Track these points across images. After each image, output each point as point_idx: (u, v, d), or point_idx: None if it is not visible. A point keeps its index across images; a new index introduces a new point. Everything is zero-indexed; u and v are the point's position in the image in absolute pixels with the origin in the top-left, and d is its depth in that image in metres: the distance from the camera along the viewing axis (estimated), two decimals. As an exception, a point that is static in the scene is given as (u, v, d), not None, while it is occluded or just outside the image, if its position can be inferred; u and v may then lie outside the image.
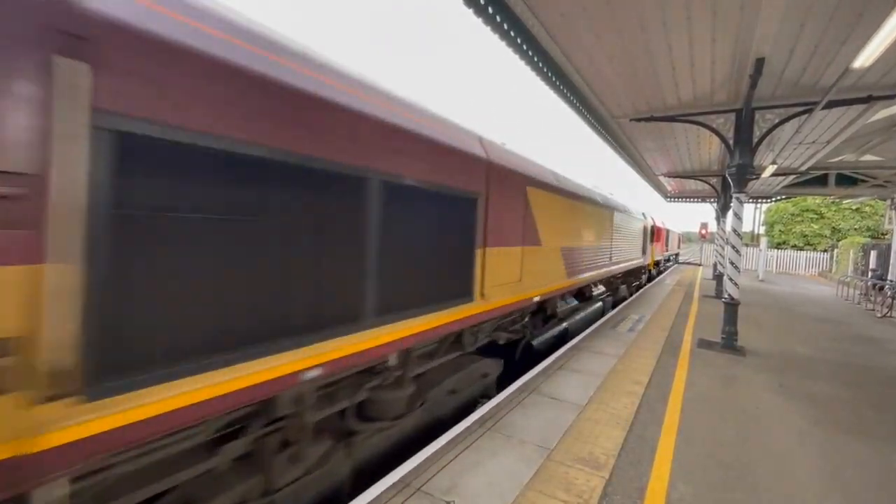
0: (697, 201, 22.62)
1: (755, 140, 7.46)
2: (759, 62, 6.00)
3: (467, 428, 4.07)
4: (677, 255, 36.81)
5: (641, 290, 16.22)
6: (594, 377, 5.72)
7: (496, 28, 5.31)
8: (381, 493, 3.06)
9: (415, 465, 3.40)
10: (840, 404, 5.33)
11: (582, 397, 5.00)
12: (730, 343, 7.56)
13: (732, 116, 7.89)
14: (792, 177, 14.94)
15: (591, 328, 8.79)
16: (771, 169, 11.51)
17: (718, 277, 15.01)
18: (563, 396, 4.99)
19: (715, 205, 17.93)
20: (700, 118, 8.31)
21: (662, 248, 22.94)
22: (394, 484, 3.16)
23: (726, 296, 7.66)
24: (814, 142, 10.30)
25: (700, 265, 31.84)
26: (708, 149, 12.00)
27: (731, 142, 7.76)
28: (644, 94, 7.87)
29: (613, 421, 4.42)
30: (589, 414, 4.55)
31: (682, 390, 5.47)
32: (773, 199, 21.71)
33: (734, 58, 6.16)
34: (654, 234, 18.25)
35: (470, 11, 4.90)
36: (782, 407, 5.13)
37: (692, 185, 18.19)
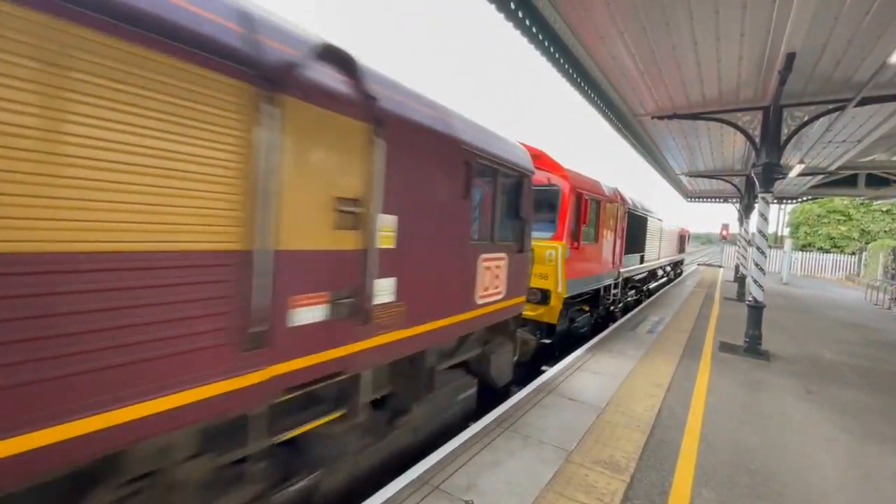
0: (719, 201, 22.11)
1: (783, 138, 7.24)
2: (790, 57, 5.81)
3: (485, 427, 4.05)
4: (680, 262, 22.72)
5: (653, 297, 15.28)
6: (613, 379, 5.63)
7: (518, 24, 5.25)
8: (399, 490, 3.06)
9: (432, 462, 3.39)
10: (870, 411, 5.14)
11: (601, 399, 4.92)
12: (754, 347, 7.36)
13: (759, 114, 7.68)
14: (819, 177, 14.50)
15: (607, 330, 8.66)
16: (798, 168, 11.16)
17: (740, 280, 14.64)
18: (582, 398, 4.92)
19: (738, 205, 17.50)
20: (725, 116, 8.11)
21: (618, 251, 9.84)
22: (411, 482, 3.15)
23: (750, 298, 7.46)
24: (844, 140, 9.97)
25: (721, 267, 31.14)
26: (732, 147, 11.72)
27: (757, 140, 7.55)
28: (668, 92, 7.71)
29: (633, 424, 4.34)
30: (608, 416, 4.48)
31: (705, 394, 5.34)
32: (799, 199, 21.08)
33: (763, 53, 5.98)
34: (579, 209, 7.41)
35: (492, 7, 4.85)
36: (810, 413, 4.97)
37: (714, 184, 17.78)
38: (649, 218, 12.82)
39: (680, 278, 21.46)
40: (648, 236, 12.92)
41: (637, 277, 12.61)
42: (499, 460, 3.49)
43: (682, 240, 22.64)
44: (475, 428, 4.03)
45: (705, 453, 3.88)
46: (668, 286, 17.58)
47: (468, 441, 3.77)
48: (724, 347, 7.64)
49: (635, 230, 11.24)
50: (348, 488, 3.23)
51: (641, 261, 12.29)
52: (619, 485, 3.26)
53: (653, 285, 15.66)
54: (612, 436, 4.05)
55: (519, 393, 4.96)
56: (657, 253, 14.83)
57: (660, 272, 17.07)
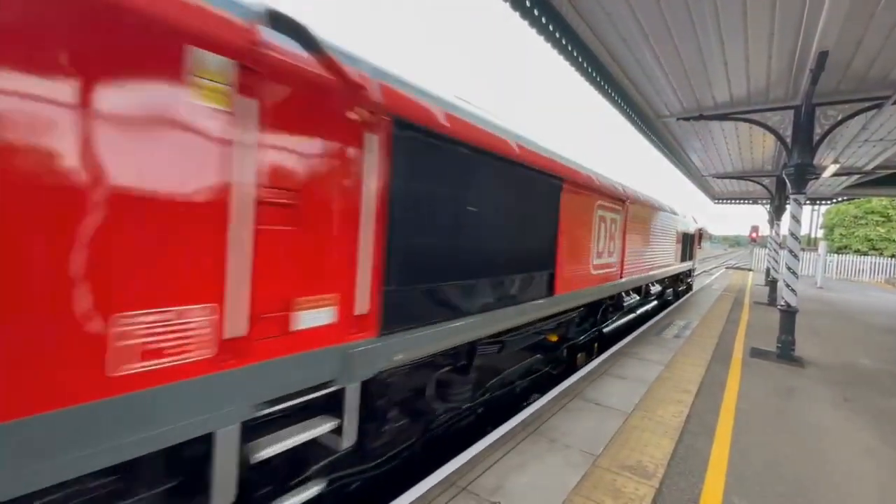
0: (748, 203, 21.48)
1: (815, 138, 7.03)
2: (822, 56, 5.66)
3: (510, 430, 4.07)
4: (685, 274, 15.30)
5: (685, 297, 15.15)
6: (640, 384, 5.57)
7: (542, 30, 5.29)
8: (427, 490, 3.12)
9: (460, 464, 3.44)
10: (914, 422, 4.94)
11: (627, 404, 4.88)
12: (787, 353, 7.14)
13: (790, 113, 7.48)
14: (856, 176, 13.94)
15: (634, 333, 8.54)
16: (832, 168, 10.78)
17: (772, 283, 14.19)
18: (608, 403, 4.88)
19: (768, 207, 16.99)
20: (754, 116, 7.94)
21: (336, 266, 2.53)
22: (440, 482, 3.21)
23: (783, 303, 7.25)
24: (882, 139, 9.59)
25: (751, 270, 30.20)
26: (762, 148, 11.41)
27: (788, 140, 7.36)
28: (693, 93, 7.60)
29: (661, 430, 4.29)
30: (635, 422, 4.44)
31: (735, 401, 5.22)
32: (834, 200, 20.31)
33: (794, 52, 5.85)
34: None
35: (516, 14, 4.91)
36: (848, 422, 4.81)
37: (743, 185, 17.31)
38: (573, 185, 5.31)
39: (682, 300, 14.15)
40: (577, 232, 5.63)
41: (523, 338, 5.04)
42: (525, 463, 3.51)
43: (690, 241, 14.26)
44: (501, 430, 4.06)
45: (736, 461, 3.80)
46: (653, 318, 10.43)
47: (495, 443, 3.80)
48: (756, 353, 7.44)
49: (524, 218, 4.51)
50: None
51: (549, 289, 5.00)
52: (648, 490, 3.23)
53: (612, 326, 8.06)
54: (640, 441, 4.02)
55: (544, 397, 4.97)
56: (617, 264, 7.27)
57: (633, 296, 9.38)
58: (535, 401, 4.91)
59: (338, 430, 2.53)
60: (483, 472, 3.35)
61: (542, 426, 4.20)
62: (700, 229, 16.62)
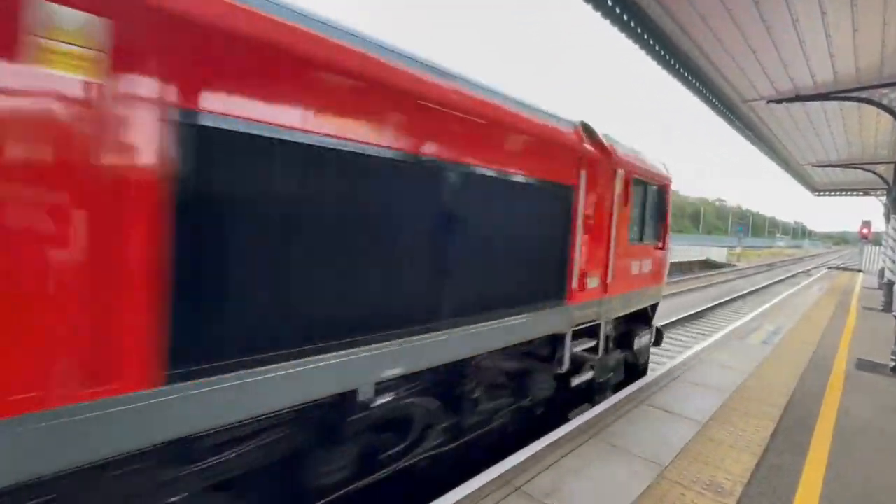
0: (858, 194, 18.83)
1: (946, 116, 5.99)
2: (955, 18, 4.80)
3: (569, 432, 3.93)
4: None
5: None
6: (717, 392, 5.11)
7: (623, 27, 5.03)
8: (482, 486, 3.10)
9: (516, 462, 3.38)
10: None
11: (702, 414, 4.50)
12: (903, 366, 6.18)
13: (912, 89, 6.44)
14: None
15: (714, 338, 7.87)
16: (970, 151, 9.12)
17: (888, 286, 12.34)
18: (679, 410, 4.54)
19: (883, 198, 14.79)
20: (863, 94, 6.92)
21: None
22: (493, 480, 3.17)
23: (899, 309, 6.28)
24: None
25: (860, 271, 26.50)
26: (874, 130, 9.93)
27: (909, 120, 6.34)
28: (787, 72, 6.79)
29: (741, 444, 3.90)
30: (710, 433, 4.08)
31: (834, 418, 4.62)
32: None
33: (916, 16, 5.01)
34: None
35: (595, 12, 4.71)
36: (984, 452, 4.05)
37: (850, 175, 15.19)
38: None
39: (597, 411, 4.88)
40: None
41: None
42: (584, 467, 3.37)
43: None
44: (561, 432, 3.94)
45: (832, 486, 3.36)
46: None
47: (553, 444, 3.69)
48: (864, 366, 6.51)
49: None
50: None
51: None
52: (723, 509, 2.96)
53: None
54: (715, 455, 3.69)
55: (608, 400, 4.74)
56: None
57: None
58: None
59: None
60: (539, 473, 3.26)
61: (604, 431, 4.01)
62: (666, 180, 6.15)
